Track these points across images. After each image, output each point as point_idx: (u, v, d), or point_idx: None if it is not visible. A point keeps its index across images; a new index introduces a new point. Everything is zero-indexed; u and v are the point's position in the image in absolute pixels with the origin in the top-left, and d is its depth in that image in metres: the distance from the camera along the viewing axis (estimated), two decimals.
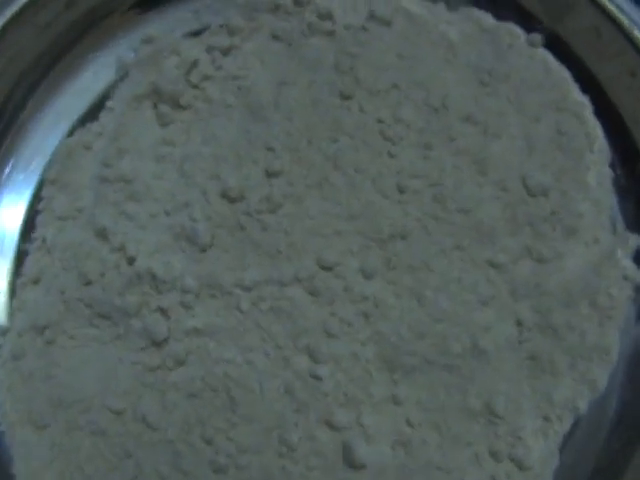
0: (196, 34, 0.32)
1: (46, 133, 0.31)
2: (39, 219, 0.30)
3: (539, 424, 0.26)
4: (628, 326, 0.28)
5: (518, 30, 0.30)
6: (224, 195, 0.28)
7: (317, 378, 0.26)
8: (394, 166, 0.28)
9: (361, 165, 0.28)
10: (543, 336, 0.27)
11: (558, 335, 0.27)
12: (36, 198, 0.30)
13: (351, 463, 0.25)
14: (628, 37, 0.29)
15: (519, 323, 0.27)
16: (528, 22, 0.31)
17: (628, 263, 0.28)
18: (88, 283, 0.28)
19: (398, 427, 0.26)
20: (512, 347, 0.27)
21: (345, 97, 0.29)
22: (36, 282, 0.29)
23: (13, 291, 0.29)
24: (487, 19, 0.31)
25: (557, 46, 0.30)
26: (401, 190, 0.27)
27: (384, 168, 0.28)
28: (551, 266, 0.27)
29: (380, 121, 0.28)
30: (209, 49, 0.31)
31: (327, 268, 0.27)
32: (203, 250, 0.27)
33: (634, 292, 0.28)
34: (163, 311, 0.27)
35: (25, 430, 0.27)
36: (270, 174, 0.28)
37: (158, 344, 0.27)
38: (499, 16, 0.31)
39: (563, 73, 0.30)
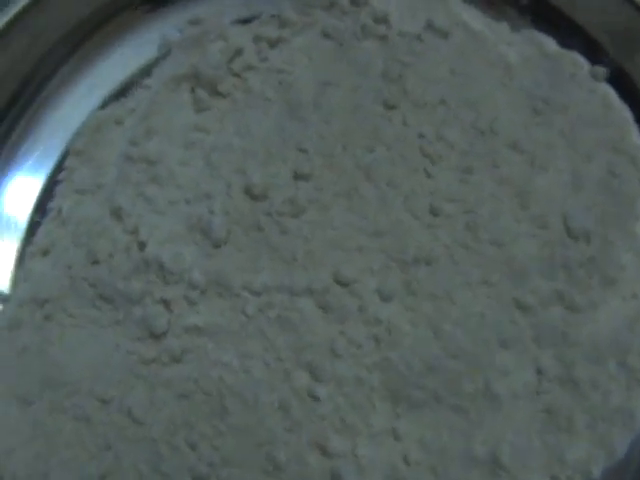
0: (245, 22, 0.31)
1: (76, 104, 0.30)
2: (58, 189, 0.29)
3: None
4: None
5: (582, 60, 0.28)
6: (247, 191, 0.27)
7: (315, 398, 0.24)
8: (429, 186, 0.26)
9: (395, 180, 0.26)
10: (563, 390, 0.25)
11: (579, 391, 0.25)
12: (58, 168, 0.30)
13: None
14: None
15: (539, 372, 0.25)
16: (593, 53, 0.29)
17: None
18: (95, 262, 0.27)
19: (393, 462, 0.24)
20: (528, 396, 0.25)
21: (389, 107, 0.27)
22: (45, 253, 0.28)
23: (21, 260, 0.29)
24: (550, 44, 0.29)
25: (621, 82, 0.28)
26: (433, 212, 0.26)
27: (418, 186, 0.26)
28: (582, 316, 0.25)
29: (422, 136, 0.27)
30: (256, 39, 0.30)
31: (343, 284, 0.25)
32: (217, 246, 0.26)
33: None
34: (166, 303, 0.26)
35: (9, 404, 0.26)
36: (298, 176, 0.27)
37: (156, 337, 0.25)
38: (563, 43, 0.29)
39: (624, 112, 0.28)
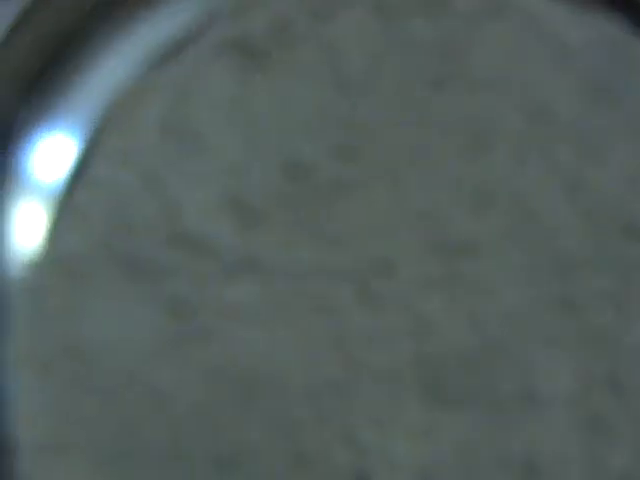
0: None
1: (115, 69, 0.30)
2: (93, 156, 0.29)
3: None
4: None
5: None
6: (287, 168, 0.26)
7: (346, 390, 0.23)
8: (477, 171, 0.25)
9: (441, 163, 0.25)
10: (608, 395, 0.24)
11: (625, 398, 0.23)
12: (94, 134, 0.29)
13: None
14: None
15: (583, 375, 0.24)
16: None
17: None
18: (128, 233, 0.26)
19: (425, 461, 0.23)
20: (570, 400, 0.24)
21: (439, 86, 0.26)
22: (76, 221, 0.28)
23: (51, 226, 0.28)
24: (615, 29, 0.27)
25: None
26: (480, 200, 0.24)
27: (465, 171, 0.25)
28: (633, 319, 0.24)
29: (472, 119, 0.26)
30: (305, 10, 0.29)
31: (382, 270, 0.24)
32: (252, 223, 0.25)
33: None
34: (197, 280, 0.25)
35: (29, 370, 0.26)
36: (341, 154, 0.25)
37: (185, 314, 0.25)
38: (632, 29, 0.27)
39: None
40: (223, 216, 0.26)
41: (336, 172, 0.25)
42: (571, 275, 0.24)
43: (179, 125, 0.27)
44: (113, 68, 0.30)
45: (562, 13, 0.27)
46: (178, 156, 0.27)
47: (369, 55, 0.27)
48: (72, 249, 0.27)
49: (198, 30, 0.30)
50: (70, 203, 0.28)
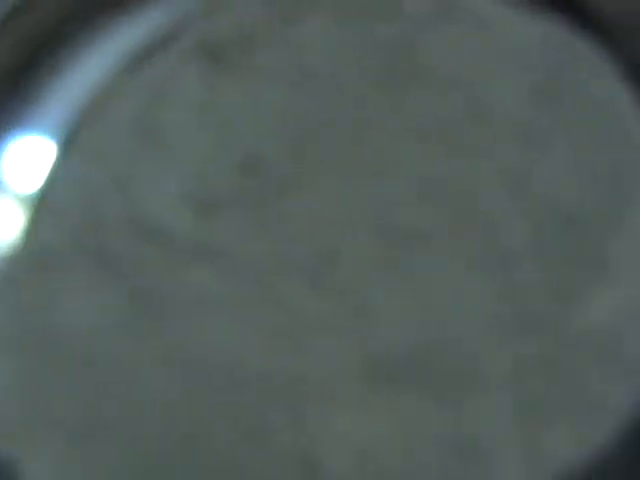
0: None
1: (89, 69, 0.31)
2: (65, 153, 0.30)
3: (520, 470, 0.25)
4: None
5: (595, 47, 0.28)
6: (245, 165, 0.27)
7: (296, 374, 0.25)
8: (422, 163, 0.26)
9: (390, 156, 0.26)
10: (545, 378, 0.25)
11: (561, 381, 0.25)
12: (68, 133, 0.30)
13: (310, 465, 0.24)
14: None
15: (521, 360, 0.25)
16: (609, 42, 0.28)
17: None
18: (97, 227, 0.27)
19: (369, 441, 0.25)
20: (509, 383, 0.25)
21: (390, 86, 0.27)
22: (47, 216, 0.29)
23: (24, 221, 0.29)
24: (564, 30, 0.28)
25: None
26: (426, 191, 0.26)
27: (414, 167, 0.26)
28: (570, 305, 0.25)
29: (421, 117, 0.27)
30: (273, 16, 0.30)
31: (331, 259, 0.25)
32: (212, 216, 0.27)
33: None
34: (158, 270, 0.26)
35: (7, 356, 0.27)
36: (295, 152, 0.27)
37: (146, 302, 0.26)
38: (578, 30, 0.28)
39: (633, 101, 0.27)
40: (184, 210, 0.27)
41: (289, 168, 0.26)
42: (511, 264, 0.25)
43: (150, 126, 0.28)
44: (87, 71, 0.31)
45: (509, 15, 0.29)
46: (147, 155, 0.28)
47: (329, 58, 0.29)
48: (46, 244, 0.28)
49: (170, 35, 0.31)
50: (45, 201, 0.29)
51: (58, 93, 0.31)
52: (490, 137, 0.27)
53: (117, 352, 0.26)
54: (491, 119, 0.27)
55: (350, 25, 0.29)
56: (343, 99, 0.27)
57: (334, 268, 0.25)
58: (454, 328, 0.25)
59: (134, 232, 0.27)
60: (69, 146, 0.30)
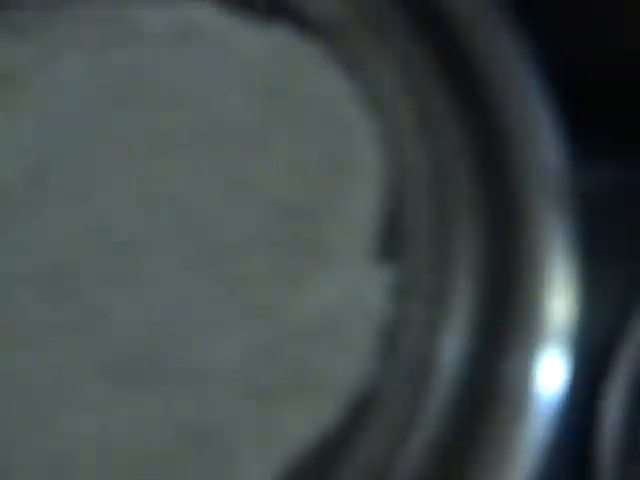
0: None
1: None
2: None
3: (255, 452, 0.26)
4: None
5: (313, 49, 0.30)
6: None
7: (36, 381, 0.26)
8: (152, 179, 0.28)
9: (120, 174, 0.28)
10: (269, 366, 0.26)
11: (286, 366, 0.26)
12: None
13: (58, 464, 0.25)
14: None
15: (246, 349, 0.26)
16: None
17: (378, 298, 0.26)
18: None
19: (108, 438, 0.26)
20: (236, 372, 0.26)
21: (122, 106, 0.29)
22: None
23: None
24: (291, 39, 0.30)
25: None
26: (146, 200, 0.27)
27: (143, 179, 0.28)
28: (291, 291, 0.26)
29: (149, 133, 0.28)
30: (31, 57, 0.31)
31: (59, 271, 0.27)
32: None
33: (379, 329, 0.26)
34: None
35: None
36: (34, 177, 0.28)
37: None
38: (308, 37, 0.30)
39: (346, 89, 0.29)
40: None
41: (29, 192, 0.28)
42: (234, 259, 0.27)
43: None
44: None
45: (241, 29, 0.30)
46: None
47: (77, 92, 0.30)
48: None
49: None
50: None
51: None
52: (217, 148, 0.28)
53: None
54: (219, 130, 0.28)
55: (98, 54, 0.31)
56: (89, 123, 0.29)
57: (65, 280, 0.27)
58: (184, 326, 0.26)
59: None
60: None
